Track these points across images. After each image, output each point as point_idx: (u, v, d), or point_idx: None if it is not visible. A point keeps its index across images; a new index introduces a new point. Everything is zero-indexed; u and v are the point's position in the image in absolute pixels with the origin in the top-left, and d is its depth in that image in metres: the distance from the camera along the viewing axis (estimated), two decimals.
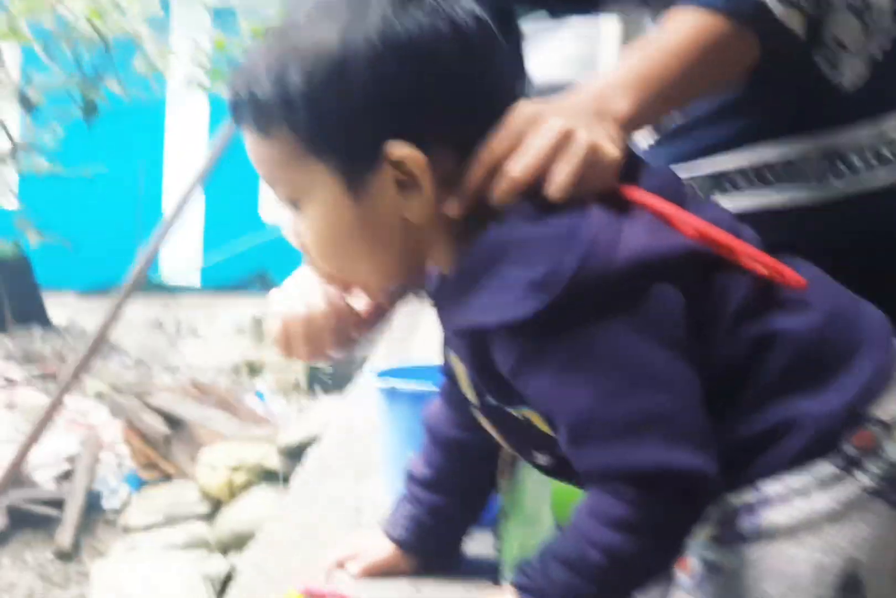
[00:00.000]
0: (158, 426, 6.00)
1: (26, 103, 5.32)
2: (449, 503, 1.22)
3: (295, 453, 4.85)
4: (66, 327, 8.64)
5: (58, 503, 5.37)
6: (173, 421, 6.13)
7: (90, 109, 5.35)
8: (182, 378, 7.84)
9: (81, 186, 7.19)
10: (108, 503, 5.60)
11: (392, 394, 1.48)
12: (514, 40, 0.95)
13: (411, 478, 1.26)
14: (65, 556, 5.11)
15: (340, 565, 1.29)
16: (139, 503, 5.35)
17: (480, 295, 0.87)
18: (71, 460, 5.71)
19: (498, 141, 0.91)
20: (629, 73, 1.00)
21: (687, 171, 1.18)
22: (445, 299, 0.97)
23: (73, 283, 9.10)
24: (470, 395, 1.03)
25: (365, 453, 2.05)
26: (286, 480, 4.85)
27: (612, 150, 0.91)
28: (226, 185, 9.56)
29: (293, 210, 0.97)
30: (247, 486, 5.00)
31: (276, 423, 6.41)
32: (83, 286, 8.97)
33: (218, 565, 4.71)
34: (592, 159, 0.89)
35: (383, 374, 1.54)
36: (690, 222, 0.88)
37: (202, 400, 6.72)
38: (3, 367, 7.17)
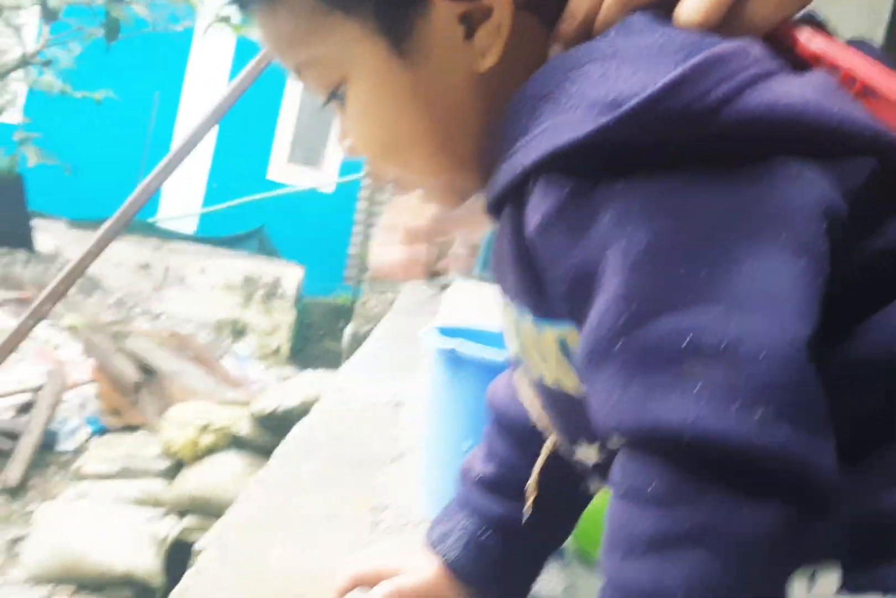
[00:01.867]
0: (130, 372, 5.78)
1: (48, 14, 5.03)
2: (529, 518, 0.87)
3: (268, 423, 4.66)
4: (51, 254, 8.38)
5: (12, 436, 5.17)
6: (146, 369, 5.91)
7: (112, 28, 5.07)
8: (161, 327, 7.63)
9: (90, 111, 6.89)
10: (65, 444, 5.38)
11: (452, 358, 1.09)
12: None
13: (468, 477, 0.92)
14: (11, 492, 4.94)
15: (358, 583, 0.96)
16: (97, 450, 5.14)
17: (530, 130, 0.58)
18: (34, 392, 5.49)
19: None
20: None
21: None
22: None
23: (67, 210, 8.83)
24: (511, 345, 0.73)
25: (361, 435, 1.84)
26: (257, 450, 4.65)
27: None
28: (238, 138, 9.40)
29: (337, 104, 0.72)
30: (212, 449, 4.79)
31: (251, 389, 6.21)
32: (76, 215, 8.70)
33: (169, 526, 4.52)
34: None
35: (445, 332, 1.16)
36: None
37: (179, 352, 6.51)
38: None
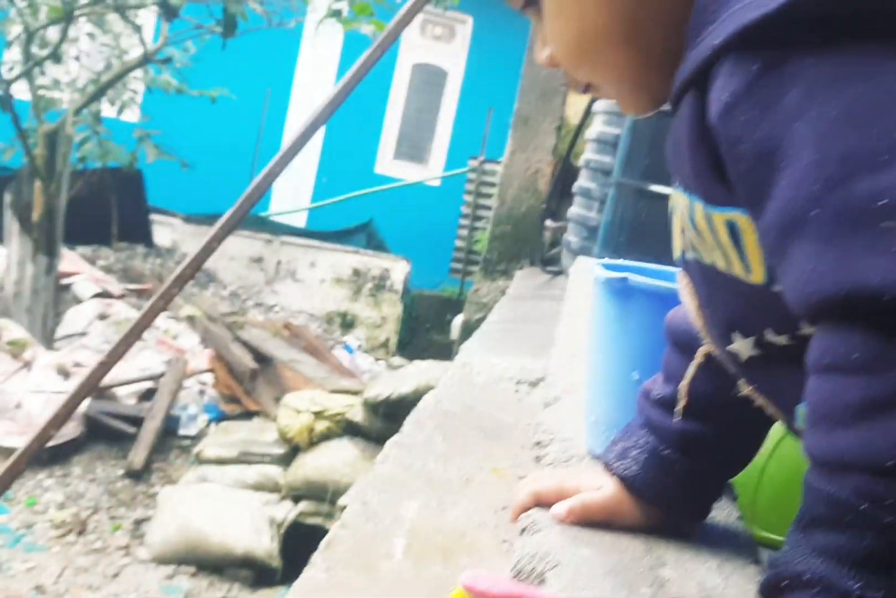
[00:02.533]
0: (246, 360, 5.91)
1: (168, 11, 5.17)
2: (704, 434, 0.85)
3: (381, 410, 4.71)
4: (168, 248, 8.62)
5: (135, 421, 5.34)
6: (261, 358, 6.03)
7: (230, 24, 5.18)
8: (274, 318, 7.77)
9: (205, 108, 7.06)
10: (186, 429, 5.53)
11: (622, 289, 1.06)
12: None
13: (648, 398, 0.90)
14: (135, 475, 5.09)
15: (539, 501, 0.95)
16: (216, 436, 5.26)
17: (720, 16, 0.59)
18: (155, 379, 5.65)
19: None
20: None
21: None
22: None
23: (182, 206, 9.04)
24: (678, 242, 0.74)
25: (487, 406, 1.86)
26: (371, 436, 4.71)
27: None
28: (346, 134, 9.50)
29: (532, 12, 0.75)
30: (327, 435, 4.86)
31: (362, 379, 6.28)
32: (191, 210, 8.91)
33: (285, 510, 4.60)
34: None
35: (611, 268, 1.12)
36: None
37: (292, 343, 6.63)
38: (103, 278, 7.14)
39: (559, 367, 1.74)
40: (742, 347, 0.69)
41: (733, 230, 0.63)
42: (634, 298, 1.06)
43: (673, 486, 0.87)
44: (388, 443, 1.68)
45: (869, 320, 0.52)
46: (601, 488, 0.91)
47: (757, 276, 0.64)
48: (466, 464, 1.54)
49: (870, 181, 0.52)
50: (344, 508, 1.35)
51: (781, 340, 0.66)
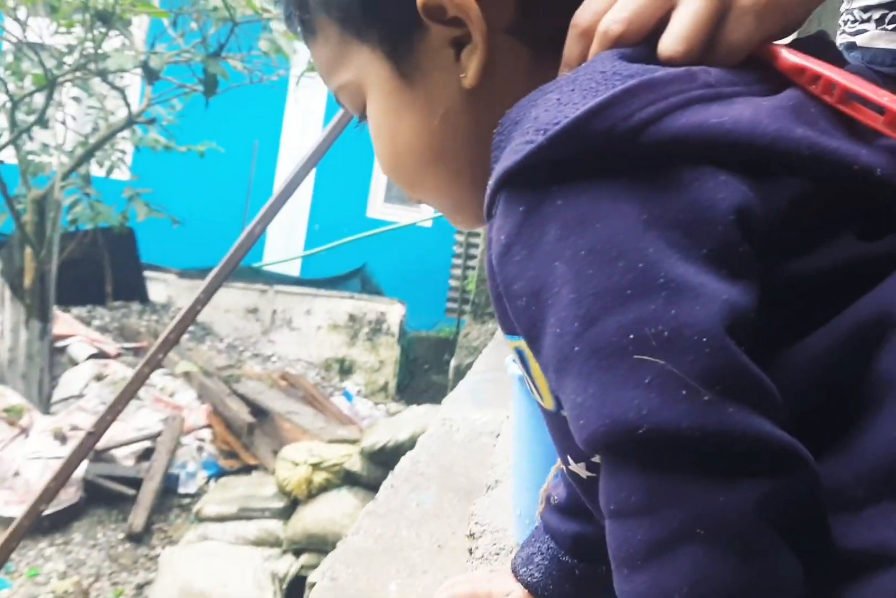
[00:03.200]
0: (243, 414, 5.92)
1: (150, 74, 5.25)
2: (595, 535, 0.86)
3: (378, 458, 4.72)
4: (163, 304, 8.66)
5: (134, 482, 5.34)
6: (259, 411, 6.04)
7: (210, 83, 5.26)
8: (271, 369, 7.79)
9: (194, 163, 7.15)
10: (185, 487, 5.54)
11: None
12: None
13: (548, 502, 0.93)
14: (136, 538, 5.08)
15: None
16: (215, 492, 5.27)
17: (497, 155, 0.63)
18: (153, 438, 5.66)
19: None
20: None
21: None
22: None
23: (176, 261, 9.09)
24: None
25: (465, 465, 1.87)
26: (369, 485, 4.71)
27: None
28: (336, 180, 9.58)
29: (365, 121, 0.78)
30: (326, 486, 4.87)
31: (361, 425, 6.29)
32: (185, 265, 8.96)
33: (287, 564, 4.60)
34: (731, 2, 0.64)
35: None
36: (885, 102, 0.59)
37: (289, 393, 6.65)
38: (98, 339, 7.17)
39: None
40: (578, 469, 0.69)
41: (522, 358, 0.65)
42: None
43: (575, 593, 0.90)
44: (362, 512, 1.70)
45: (636, 456, 0.53)
46: (511, 592, 0.94)
47: (547, 402, 0.67)
48: (440, 529, 1.56)
49: (619, 317, 0.54)
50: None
51: (579, 469, 0.68)
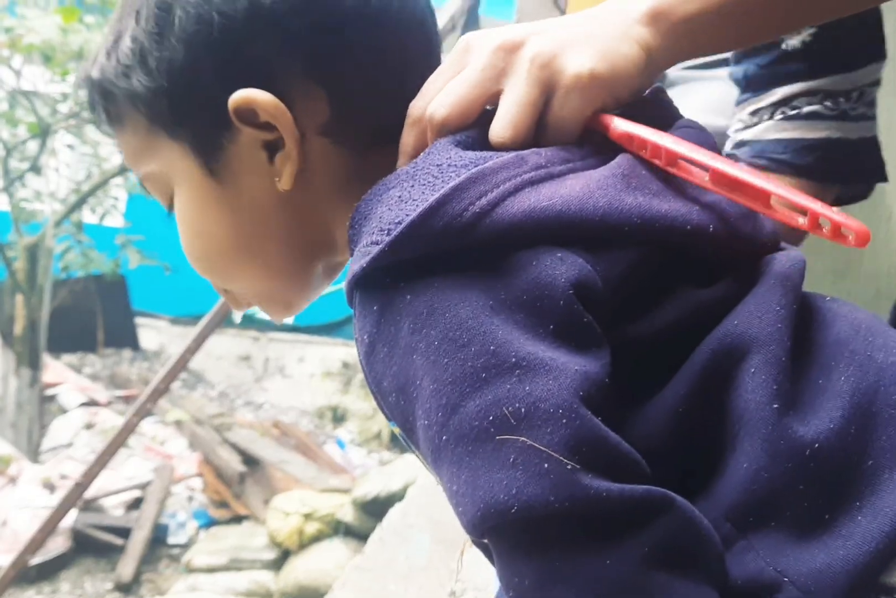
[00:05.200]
0: (234, 463, 5.86)
1: None
2: None
3: (370, 508, 4.67)
4: (155, 352, 8.62)
5: (123, 532, 5.27)
6: (250, 460, 5.99)
7: None
8: (264, 416, 7.74)
9: None
10: (175, 537, 5.46)
11: None
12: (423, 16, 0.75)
13: None
14: (124, 588, 5.01)
15: None
16: (205, 542, 5.20)
17: (353, 249, 0.64)
18: (142, 487, 5.60)
19: (430, 80, 0.70)
20: None
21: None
22: None
23: (168, 308, 9.07)
24: None
25: (455, 517, 1.83)
26: (362, 535, 4.65)
27: (587, 63, 0.65)
28: None
29: (172, 212, 0.78)
30: (318, 537, 4.81)
31: (354, 474, 6.23)
32: (178, 312, 8.94)
33: None
34: (552, 75, 0.66)
35: None
36: (708, 162, 0.61)
37: (281, 441, 6.59)
38: (89, 386, 7.13)
39: None
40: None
41: (406, 443, 0.65)
42: None
43: None
44: (349, 566, 1.67)
45: (515, 537, 0.54)
46: None
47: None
48: (428, 583, 1.53)
49: (477, 400, 0.55)
50: None
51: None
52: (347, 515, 4.83)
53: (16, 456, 5.73)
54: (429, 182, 0.61)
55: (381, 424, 8.89)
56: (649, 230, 0.60)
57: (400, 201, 0.61)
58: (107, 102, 0.74)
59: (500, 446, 0.54)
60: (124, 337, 8.48)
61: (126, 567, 5.04)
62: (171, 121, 0.72)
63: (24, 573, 4.58)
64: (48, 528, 4.09)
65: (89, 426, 6.35)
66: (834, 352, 0.61)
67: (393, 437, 8.79)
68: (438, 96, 0.67)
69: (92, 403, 6.76)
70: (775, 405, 0.57)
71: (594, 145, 0.66)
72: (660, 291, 0.61)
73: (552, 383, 0.54)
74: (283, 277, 0.76)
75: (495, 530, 0.54)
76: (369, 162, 0.72)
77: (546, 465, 0.52)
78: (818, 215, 0.58)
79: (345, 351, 8.92)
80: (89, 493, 5.02)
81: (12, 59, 5.68)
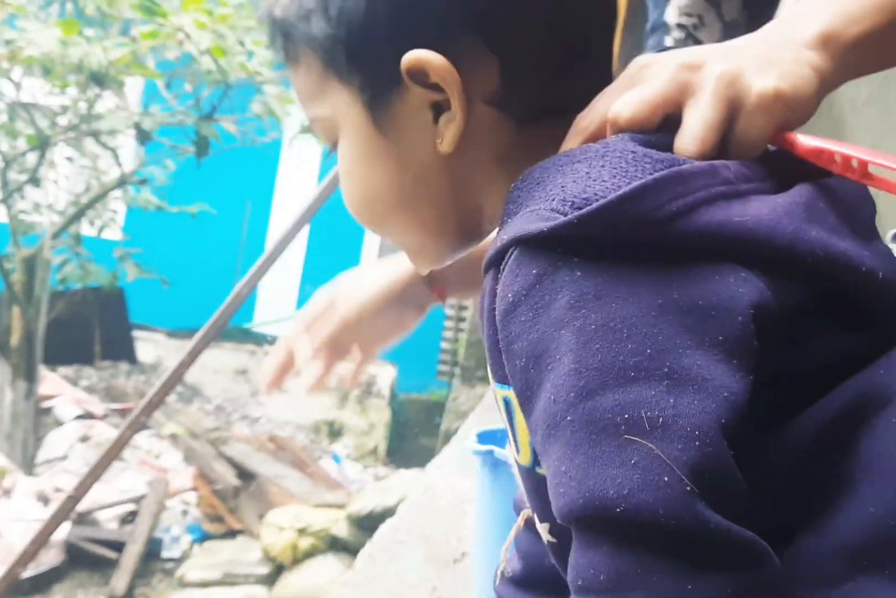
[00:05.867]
0: (230, 478, 5.84)
1: (142, 135, 5.29)
2: None
3: (365, 523, 4.65)
4: (152, 365, 8.60)
5: (117, 545, 5.25)
6: (245, 474, 5.97)
7: (202, 145, 5.30)
8: (260, 431, 7.72)
9: (186, 224, 7.18)
10: (168, 551, 5.44)
11: (490, 461, 1.09)
12: None
13: (504, 577, 0.91)
14: None
15: None
16: (199, 557, 5.17)
17: (521, 210, 0.64)
18: (137, 501, 5.58)
19: (603, 94, 0.70)
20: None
21: None
22: None
23: (166, 321, 9.07)
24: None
25: (447, 534, 1.83)
26: (356, 551, 4.64)
27: (770, 83, 0.66)
28: (328, 241, 9.60)
29: (335, 153, 0.80)
30: (312, 552, 4.79)
31: (350, 489, 6.21)
32: (175, 325, 8.93)
33: None
34: (732, 94, 0.66)
35: (486, 436, 1.15)
36: None
37: (277, 456, 6.57)
38: (85, 399, 7.11)
39: None
40: (541, 529, 0.69)
41: (508, 407, 0.65)
42: (500, 469, 1.06)
43: None
44: (339, 582, 1.66)
45: (610, 533, 0.54)
46: None
47: (524, 457, 0.67)
48: None
49: (618, 395, 0.55)
50: None
51: (542, 529, 0.67)
52: (342, 530, 4.82)
53: (10, 468, 5.71)
54: (622, 167, 0.61)
55: (378, 439, 8.87)
56: (830, 266, 0.60)
57: (588, 178, 0.61)
58: (286, 40, 0.76)
59: (626, 444, 0.54)
60: (121, 350, 8.47)
61: (119, 581, 5.01)
62: (345, 69, 0.73)
63: (17, 586, 4.56)
64: (40, 541, 4.07)
65: (84, 439, 6.33)
66: None
67: (389, 452, 8.76)
68: (623, 99, 0.67)
69: (88, 415, 6.74)
70: None
71: (774, 165, 0.66)
72: (818, 329, 0.61)
73: (698, 403, 0.54)
74: (433, 234, 0.78)
75: (591, 520, 0.54)
76: (532, 135, 0.73)
77: (666, 478, 0.52)
78: None
79: (341, 365, 8.89)
80: (84, 506, 5.00)
81: (12, 72, 5.69)
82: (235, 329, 8.78)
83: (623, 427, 0.54)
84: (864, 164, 0.63)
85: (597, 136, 0.68)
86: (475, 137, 0.72)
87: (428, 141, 0.73)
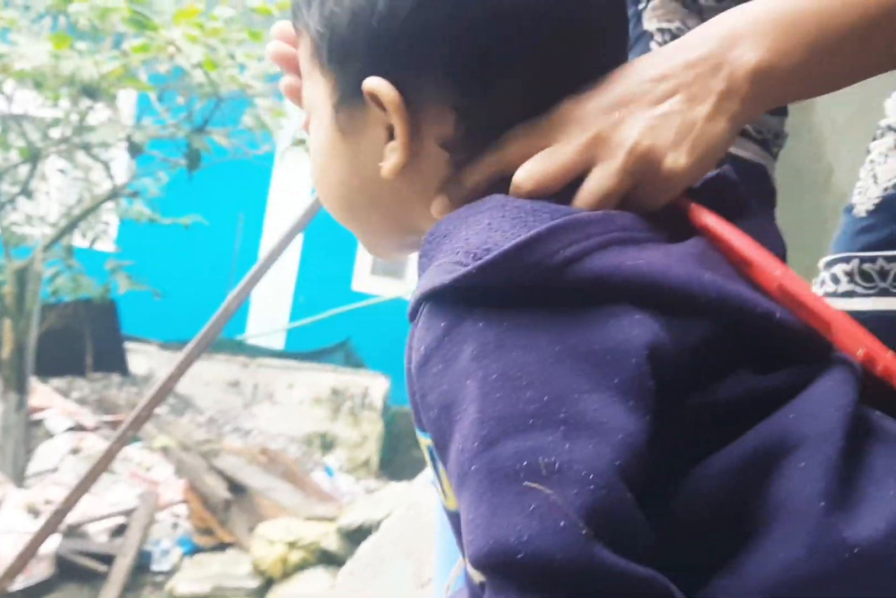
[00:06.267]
0: (220, 491, 5.84)
1: (133, 148, 5.30)
2: None
3: (355, 537, 4.64)
4: (144, 376, 8.59)
5: (107, 558, 5.24)
6: (236, 487, 5.96)
7: (193, 158, 5.32)
8: (252, 443, 7.71)
9: (178, 236, 7.18)
10: (158, 564, 5.43)
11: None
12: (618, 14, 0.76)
13: None
14: None
15: None
16: (189, 569, 5.16)
17: (432, 263, 0.66)
18: (127, 514, 5.57)
19: (520, 134, 0.72)
20: (772, 9, 0.72)
21: None
22: None
23: (158, 332, 9.05)
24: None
25: (430, 550, 1.84)
26: (343, 564, 4.63)
27: (674, 157, 0.69)
28: (321, 253, 9.61)
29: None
30: (302, 565, 4.78)
31: (341, 502, 6.20)
32: (167, 337, 8.92)
33: None
34: (642, 166, 0.69)
35: None
36: (778, 276, 0.65)
37: (269, 468, 6.56)
38: (76, 411, 7.10)
39: None
40: (472, 572, 0.69)
41: (431, 455, 0.66)
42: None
43: None
44: None
45: (515, 579, 0.54)
46: None
47: (450, 503, 0.67)
48: None
49: (517, 442, 0.56)
50: None
51: (473, 572, 0.67)
52: (332, 544, 4.81)
53: (1, 480, 5.70)
54: (520, 217, 0.64)
55: (370, 451, 8.86)
56: (724, 307, 0.62)
57: (489, 229, 0.63)
58: (294, 16, 0.79)
59: (525, 491, 0.55)
60: (113, 362, 8.46)
61: (109, 594, 5.00)
62: (326, 65, 0.76)
63: None
64: (28, 554, 4.06)
65: (76, 451, 6.32)
66: (884, 465, 0.61)
67: (381, 465, 8.75)
68: (528, 165, 0.69)
69: (79, 427, 6.73)
70: (822, 503, 0.58)
71: (666, 220, 0.69)
72: (722, 370, 0.62)
73: (593, 447, 0.55)
74: (377, 234, 0.81)
75: (497, 566, 0.55)
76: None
77: (562, 523, 0.53)
78: (875, 355, 0.62)
79: (334, 377, 8.89)
80: (73, 519, 4.99)
81: (4, 85, 5.70)
82: (228, 341, 8.78)
83: (522, 474, 0.55)
84: (744, 260, 0.66)
85: (487, 192, 0.70)
86: (419, 171, 0.74)
87: (377, 158, 0.74)
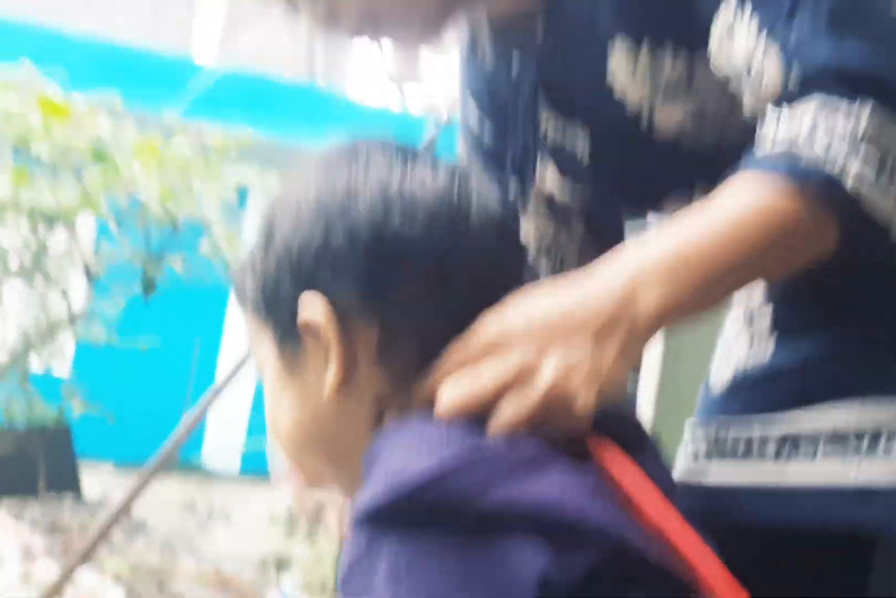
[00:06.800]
0: None
1: (89, 273, 5.43)
2: None
3: None
4: (98, 500, 8.49)
5: None
6: None
7: (149, 285, 5.45)
8: (206, 565, 7.59)
9: (134, 359, 7.24)
10: None
11: None
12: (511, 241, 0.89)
13: None
14: None
15: None
16: None
17: (364, 484, 0.75)
18: None
19: (446, 361, 0.81)
20: (664, 257, 0.80)
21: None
22: None
23: (113, 455, 8.98)
24: None
25: None
26: None
27: (583, 399, 0.77)
28: None
29: None
30: None
31: None
32: (122, 459, 8.85)
33: None
34: (554, 406, 0.77)
35: None
36: (660, 516, 0.73)
37: (222, 593, 6.47)
38: (27, 536, 6.99)
39: None
40: None
41: None
42: None
43: None
44: None
45: None
46: None
47: None
48: None
49: None
50: None
51: None
52: None
53: None
54: (436, 448, 0.72)
55: (326, 572, 8.71)
56: (612, 540, 0.69)
57: (406, 456, 0.71)
58: (236, 287, 0.90)
59: None
60: (66, 484, 8.36)
61: None
62: (264, 316, 0.86)
63: None
64: None
65: (27, 579, 6.21)
66: None
67: (337, 586, 8.59)
68: (450, 395, 0.77)
69: (29, 554, 6.63)
70: None
71: (567, 446, 0.76)
72: None
73: None
74: (340, 465, 0.87)
75: None
76: (403, 391, 0.82)
77: None
78: None
79: (290, 496, 8.79)
80: None
81: None
82: (184, 462, 8.73)
83: None
84: (633, 503, 0.73)
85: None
86: (358, 389, 0.83)
87: (322, 385, 0.83)
